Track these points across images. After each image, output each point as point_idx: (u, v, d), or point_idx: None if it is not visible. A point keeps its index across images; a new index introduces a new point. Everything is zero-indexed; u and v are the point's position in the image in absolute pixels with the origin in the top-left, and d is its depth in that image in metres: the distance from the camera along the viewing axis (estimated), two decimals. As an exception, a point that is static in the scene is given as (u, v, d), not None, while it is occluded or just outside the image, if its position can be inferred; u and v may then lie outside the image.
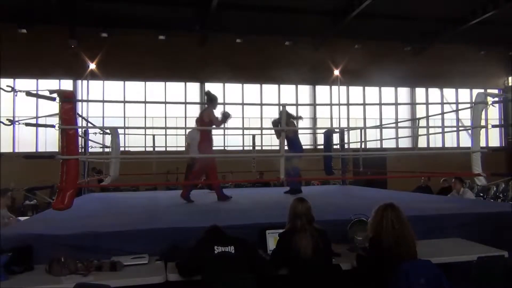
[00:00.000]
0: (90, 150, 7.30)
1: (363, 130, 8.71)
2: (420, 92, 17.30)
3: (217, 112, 5.68)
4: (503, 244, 3.45)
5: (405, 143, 15.08)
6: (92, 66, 13.98)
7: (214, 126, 5.64)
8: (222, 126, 5.72)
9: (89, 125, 8.42)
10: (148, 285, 2.80)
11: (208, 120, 5.59)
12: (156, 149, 10.15)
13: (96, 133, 7.49)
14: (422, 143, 15.88)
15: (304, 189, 7.87)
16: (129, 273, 2.87)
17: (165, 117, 14.79)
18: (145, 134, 10.70)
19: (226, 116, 5.58)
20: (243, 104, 16.39)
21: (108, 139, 7.38)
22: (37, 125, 7.39)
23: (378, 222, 2.87)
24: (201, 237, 2.97)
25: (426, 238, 3.63)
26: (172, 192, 8.74)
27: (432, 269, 2.70)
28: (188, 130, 8.17)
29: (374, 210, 2.96)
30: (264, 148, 12.66)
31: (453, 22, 14.54)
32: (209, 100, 5.69)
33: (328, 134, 8.26)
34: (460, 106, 16.52)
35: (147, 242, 3.33)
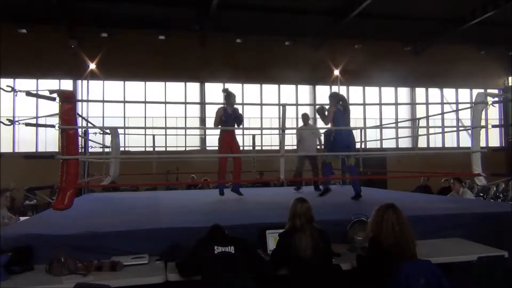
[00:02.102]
0: (90, 150, 7.30)
1: (363, 130, 8.70)
2: (420, 92, 17.30)
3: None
4: (503, 244, 3.45)
5: (405, 143, 15.08)
6: (92, 66, 13.99)
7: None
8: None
9: (89, 125, 8.42)
10: (148, 285, 2.79)
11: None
12: (156, 149, 10.15)
13: (96, 133, 7.49)
14: (422, 143, 15.89)
15: (304, 189, 7.88)
16: (129, 273, 2.86)
17: (165, 117, 14.79)
18: (145, 134, 10.70)
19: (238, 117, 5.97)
20: (243, 104, 16.38)
21: (108, 139, 7.38)
22: (37, 125, 7.38)
23: (378, 223, 2.87)
24: (201, 237, 2.97)
25: (426, 238, 3.63)
26: (172, 192, 8.77)
27: (432, 269, 2.69)
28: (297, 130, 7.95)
29: (374, 209, 2.95)
30: (264, 148, 12.66)
31: (453, 22, 14.54)
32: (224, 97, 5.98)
33: (328, 134, 8.24)
34: (460, 106, 16.54)
35: (147, 242, 3.33)
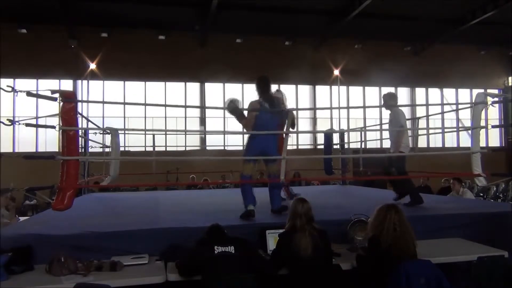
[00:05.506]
0: (90, 150, 7.30)
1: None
2: (420, 92, 17.30)
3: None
4: (503, 244, 3.45)
5: (405, 143, 15.04)
6: (92, 66, 13.99)
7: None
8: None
9: (90, 125, 8.41)
10: (148, 285, 2.79)
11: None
12: (156, 149, 10.14)
13: (96, 133, 7.48)
14: (422, 143, 15.88)
15: (304, 189, 7.88)
16: (129, 273, 2.87)
17: (165, 117, 14.78)
18: (145, 134, 10.71)
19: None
20: (243, 104, 16.36)
21: (108, 139, 7.37)
22: (37, 126, 7.37)
23: (380, 222, 2.86)
24: (201, 237, 2.97)
25: (426, 238, 3.62)
26: (172, 192, 8.75)
27: (432, 269, 2.70)
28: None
29: (377, 209, 2.94)
30: (264, 148, 12.63)
31: (453, 22, 14.54)
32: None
33: (328, 134, 8.26)
34: (460, 106, 16.53)
35: (147, 242, 3.33)
